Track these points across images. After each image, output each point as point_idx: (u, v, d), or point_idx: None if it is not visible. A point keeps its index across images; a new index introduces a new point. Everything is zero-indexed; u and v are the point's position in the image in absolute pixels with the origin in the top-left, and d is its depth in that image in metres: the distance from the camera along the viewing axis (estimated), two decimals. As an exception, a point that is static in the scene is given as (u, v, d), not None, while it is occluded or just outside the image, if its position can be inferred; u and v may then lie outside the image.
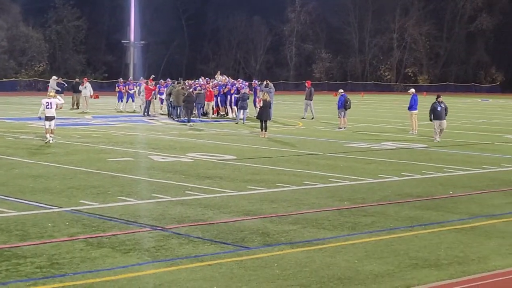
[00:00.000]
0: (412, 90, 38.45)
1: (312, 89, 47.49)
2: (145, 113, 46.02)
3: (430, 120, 33.03)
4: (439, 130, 32.58)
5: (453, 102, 71.99)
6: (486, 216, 16.13)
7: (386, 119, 47.30)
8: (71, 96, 53.42)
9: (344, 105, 38.61)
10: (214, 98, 45.98)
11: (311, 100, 46.57)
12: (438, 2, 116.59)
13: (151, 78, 49.04)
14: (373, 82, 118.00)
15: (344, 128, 38.24)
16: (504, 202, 17.99)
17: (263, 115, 34.00)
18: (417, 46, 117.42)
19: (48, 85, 54.69)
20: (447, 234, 14.30)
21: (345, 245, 13.25)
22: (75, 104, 52.87)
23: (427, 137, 34.19)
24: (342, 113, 38.88)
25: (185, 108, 40.82)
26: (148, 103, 46.24)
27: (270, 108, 34.55)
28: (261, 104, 35.43)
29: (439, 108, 32.52)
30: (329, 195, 18.34)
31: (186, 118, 40.19)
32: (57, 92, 50.44)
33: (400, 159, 25.95)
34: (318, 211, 16.29)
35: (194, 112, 43.45)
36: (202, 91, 44.26)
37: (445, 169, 23.45)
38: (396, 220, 15.48)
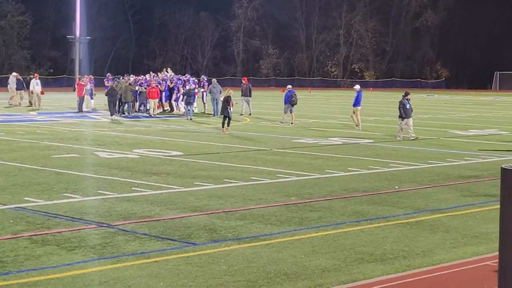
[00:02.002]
0: (357, 86, 38.75)
1: (250, 85, 47.54)
2: (80, 110, 45.64)
3: (401, 117, 32.13)
4: (405, 128, 32.10)
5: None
6: (431, 210, 16.29)
7: (333, 115, 47.55)
8: (20, 93, 52.51)
9: (290, 101, 38.71)
10: (159, 94, 45.74)
11: (250, 97, 46.50)
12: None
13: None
14: (320, 78, 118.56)
15: (292, 124, 38.34)
16: (448, 196, 18.18)
17: (225, 112, 33.95)
18: (363, 42, 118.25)
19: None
20: (393, 229, 14.41)
21: (292, 241, 13.27)
22: (30, 101, 51.91)
23: (372, 133, 34.45)
24: (289, 109, 38.98)
25: (108, 101, 41.22)
26: (81, 100, 45.86)
27: (229, 105, 34.49)
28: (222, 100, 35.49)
29: (408, 106, 32.24)
30: (276, 191, 18.36)
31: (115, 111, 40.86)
32: (18, 88, 49.83)
33: (346, 155, 26.09)
34: (265, 206, 16.30)
35: (137, 108, 43.71)
36: (144, 89, 44.29)
37: (391, 164, 23.64)
38: (343, 215, 15.55)
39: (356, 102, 37.22)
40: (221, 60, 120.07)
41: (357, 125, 36.75)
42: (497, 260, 7.84)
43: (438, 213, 16.04)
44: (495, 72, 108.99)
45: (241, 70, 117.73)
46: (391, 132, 34.52)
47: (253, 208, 16.07)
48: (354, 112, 37.42)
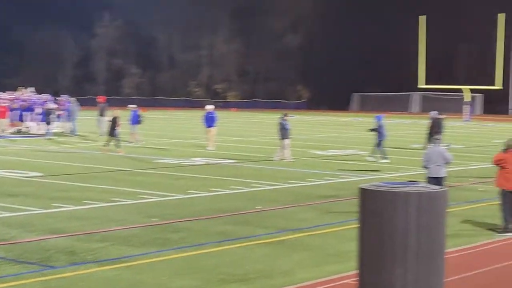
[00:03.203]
0: (211, 106, 38.94)
1: (106, 104, 46.81)
2: None
3: (281, 138, 31.87)
4: (283, 148, 31.99)
5: (262, 119, 73.50)
6: (292, 230, 16.45)
7: (196, 135, 47.53)
8: None
9: (137, 120, 38.91)
10: (10, 113, 44.45)
11: (104, 117, 45.27)
12: (247, 19, 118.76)
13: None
14: (183, 98, 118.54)
15: (141, 142, 37.82)
16: (309, 216, 18.42)
17: (112, 132, 33.68)
18: (226, 63, 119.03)
19: None
20: (255, 249, 14.47)
21: (153, 262, 13.13)
22: None
23: (235, 153, 34.62)
24: (135, 128, 38.90)
25: None
26: None
27: (116, 125, 34.12)
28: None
29: (287, 126, 32.21)
30: (137, 212, 18.16)
31: None
32: None
33: (209, 175, 26.10)
34: (127, 228, 16.08)
35: None
36: None
37: (253, 184, 23.78)
38: (205, 236, 15.51)
39: (210, 122, 37.13)
40: (82, 79, 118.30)
41: (209, 146, 36.37)
42: (357, 278, 7.95)
43: (299, 232, 16.21)
44: (353, 94, 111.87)
45: (103, 89, 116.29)
46: (253, 153, 34.78)
47: (114, 230, 15.82)
48: (208, 133, 37.23)
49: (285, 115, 32.94)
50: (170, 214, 17.93)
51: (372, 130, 33.54)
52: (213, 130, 37.15)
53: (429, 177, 19.21)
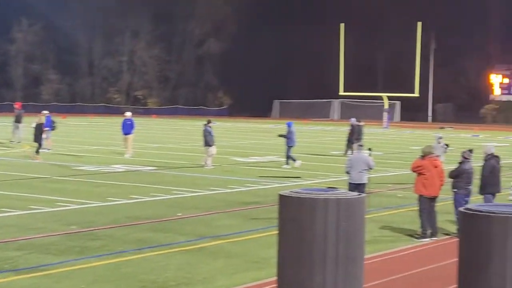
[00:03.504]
0: (129, 113, 38.64)
1: (22, 111, 45.93)
2: None
3: (206, 145, 31.80)
4: (210, 155, 31.89)
5: (182, 125, 73.32)
6: (213, 237, 16.44)
7: (115, 142, 47.11)
8: None
9: (50, 126, 38.48)
10: None
11: (21, 123, 44.42)
12: (168, 25, 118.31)
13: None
14: (103, 104, 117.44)
15: (49, 150, 37.20)
16: (230, 223, 18.43)
17: (38, 139, 33.22)
18: (146, 69, 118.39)
19: None
20: (175, 256, 14.41)
21: (72, 270, 12.96)
22: None
23: (155, 160, 34.43)
24: (49, 134, 38.37)
25: None
26: None
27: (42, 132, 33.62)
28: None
29: (211, 133, 32.06)
30: (56, 219, 17.91)
31: None
32: None
33: (129, 182, 25.90)
34: (45, 236, 15.84)
35: None
36: None
37: (173, 191, 23.69)
38: (125, 243, 15.38)
39: (128, 129, 36.67)
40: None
41: (127, 153, 35.94)
42: (277, 285, 7.97)
43: (220, 239, 16.20)
44: (275, 101, 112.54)
45: (21, 95, 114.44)
46: (174, 159, 34.64)
47: (31, 238, 15.56)
48: (125, 140, 36.78)
49: (209, 122, 32.98)
50: (90, 222, 17.73)
51: (282, 136, 33.88)
52: (130, 137, 36.72)
53: (351, 183, 19.46)
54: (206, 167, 31.27)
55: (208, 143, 31.84)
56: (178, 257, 14.28)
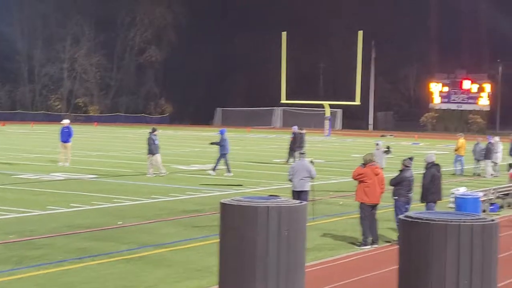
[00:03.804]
0: (66, 121, 38.27)
1: None
2: None
3: (150, 153, 31.62)
4: (155, 165, 31.55)
5: (124, 133, 72.87)
6: (154, 245, 16.36)
7: (55, 150, 46.61)
8: None
9: None
10: None
11: None
12: (109, 33, 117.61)
13: None
14: (43, 112, 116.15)
15: None
16: (172, 231, 18.36)
17: None
18: (87, 77, 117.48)
19: None
20: (117, 265, 14.29)
21: (10, 280, 12.78)
22: None
23: (96, 168, 34.15)
24: None
25: None
26: None
27: None
28: None
29: (156, 142, 31.87)
30: (-6, 229, 17.63)
31: None
32: None
33: (69, 190, 25.64)
34: (-17, 245, 15.58)
35: None
36: None
37: (115, 200, 23.52)
38: (66, 252, 15.22)
39: (65, 137, 36.16)
40: None
41: (66, 162, 35.37)
42: (218, 294, 7.95)
43: (161, 247, 16.13)
44: (217, 108, 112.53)
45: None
46: (115, 167, 34.40)
47: (-31, 248, 15.31)
48: (64, 148, 36.23)
49: (154, 130, 32.85)
50: (29, 231, 17.51)
51: (214, 143, 33.93)
52: (68, 145, 36.22)
53: (294, 191, 19.55)
54: (149, 175, 31.17)
55: (152, 152, 31.73)
56: (120, 266, 14.17)
